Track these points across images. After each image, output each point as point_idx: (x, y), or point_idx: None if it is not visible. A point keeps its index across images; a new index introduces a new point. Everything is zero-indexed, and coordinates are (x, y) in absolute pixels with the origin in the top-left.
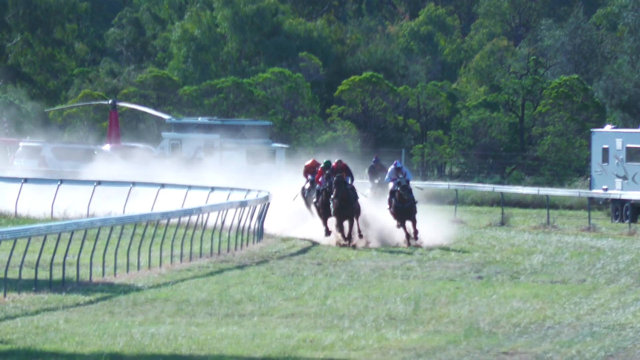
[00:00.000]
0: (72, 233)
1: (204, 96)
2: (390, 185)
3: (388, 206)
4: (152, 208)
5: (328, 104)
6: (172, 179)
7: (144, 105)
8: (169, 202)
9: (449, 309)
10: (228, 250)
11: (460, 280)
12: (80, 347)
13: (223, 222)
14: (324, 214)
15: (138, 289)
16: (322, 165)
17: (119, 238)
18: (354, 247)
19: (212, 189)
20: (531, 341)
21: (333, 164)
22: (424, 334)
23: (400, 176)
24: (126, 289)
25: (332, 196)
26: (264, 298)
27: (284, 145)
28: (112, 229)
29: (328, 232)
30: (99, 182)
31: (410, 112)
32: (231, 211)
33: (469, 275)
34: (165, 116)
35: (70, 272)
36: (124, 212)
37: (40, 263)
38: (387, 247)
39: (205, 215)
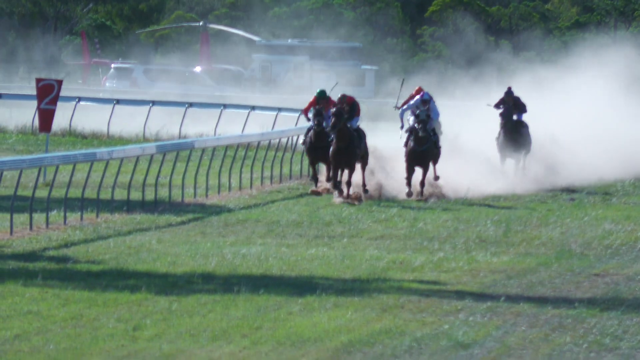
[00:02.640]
0: (164, 154)
1: (294, 18)
2: (411, 120)
3: (405, 144)
4: (242, 130)
5: (419, 24)
6: (262, 101)
7: (235, 27)
8: (259, 124)
9: (540, 231)
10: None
11: (552, 202)
12: (172, 267)
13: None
14: (311, 158)
15: (229, 210)
16: (316, 94)
17: (211, 159)
18: (352, 200)
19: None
20: (622, 263)
21: (337, 99)
22: (515, 256)
23: (422, 109)
24: (218, 210)
25: (330, 135)
26: (354, 220)
27: (373, 67)
28: (203, 151)
29: (316, 185)
30: (191, 104)
31: (502, 33)
32: None
33: (560, 197)
34: (256, 38)
35: (163, 193)
36: (215, 134)
37: (133, 184)
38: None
39: (295, 138)
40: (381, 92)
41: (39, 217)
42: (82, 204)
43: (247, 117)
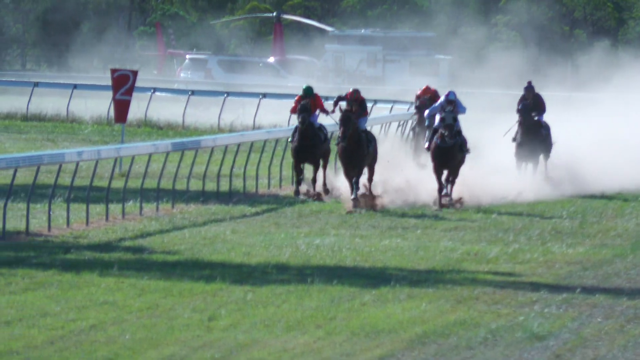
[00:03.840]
0: (239, 145)
1: (367, 7)
2: (436, 119)
3: (427, 145)
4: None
5: (493, 13)
6: (335, 92)
7: (308, 17)
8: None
9: (616, 222)
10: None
11: (627, 193)
12: (247, 258)
13: (386, 135)
14: (296, 160)
15: (303, 201)
16: (302, 92)
17: (284, 150)
18: (355, 208)
19: (375, 102)
20: None
21: (346, 94)
22: (590, 248)
23: (449, 108)
24: (291, 201)
25: (337, 140)
26: (428, 211)
27: (447, 57)
28: (277, 142)
29: (297, 191)
30: (264, 95)
31: (577, 23)
32: (394, 124)
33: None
34: (329, 28)
35: (237, 184)
36: (288, 124)
37: (208, 175)
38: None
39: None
40: (455, 81)
41: (115, 208)
42: (158, 194)
43: None
